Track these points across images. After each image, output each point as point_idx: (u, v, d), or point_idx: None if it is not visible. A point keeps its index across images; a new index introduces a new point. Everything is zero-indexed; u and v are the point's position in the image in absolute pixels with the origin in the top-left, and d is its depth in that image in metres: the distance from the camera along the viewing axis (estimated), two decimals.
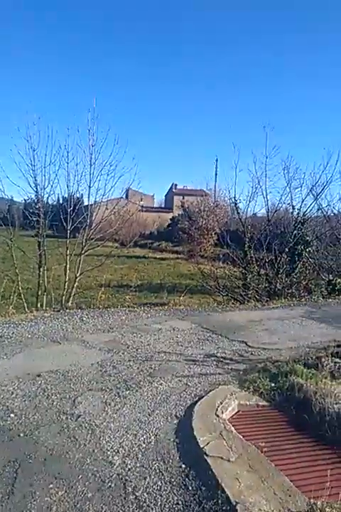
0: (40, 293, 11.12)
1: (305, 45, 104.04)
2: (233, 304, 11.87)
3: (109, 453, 3.60)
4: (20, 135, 11.14)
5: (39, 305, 10.71)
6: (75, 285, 11.36)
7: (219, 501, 2.96)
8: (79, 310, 9.58)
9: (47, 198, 12.03)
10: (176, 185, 78.79)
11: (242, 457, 3.51)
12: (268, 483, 3.16)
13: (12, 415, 4.24)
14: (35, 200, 11.52)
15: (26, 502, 2.93)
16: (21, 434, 3.86)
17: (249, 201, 14.72)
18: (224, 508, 2.90)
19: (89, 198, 12.12)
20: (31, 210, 11.37)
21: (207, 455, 3.51)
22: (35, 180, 11.28)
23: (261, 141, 15.40)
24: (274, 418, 4.42)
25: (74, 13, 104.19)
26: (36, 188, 11.34)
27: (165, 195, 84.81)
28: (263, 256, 13.75)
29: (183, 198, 58.32)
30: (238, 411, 4.57)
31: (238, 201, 15.01)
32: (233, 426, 4.11)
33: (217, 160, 56.96)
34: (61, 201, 14.22)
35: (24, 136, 11.08)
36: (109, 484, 3.17)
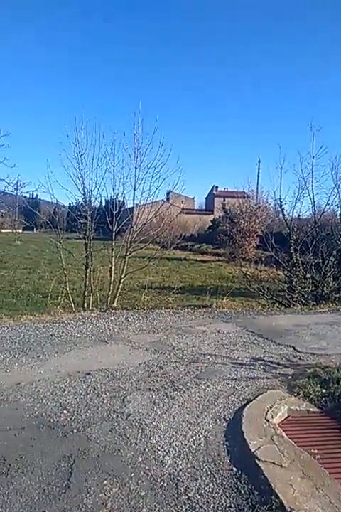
0: (86, 293, 11.41)
1: None
2: (278, 307, 11.66)
3: (159, 452, 3.65)
4: (69, 140, 11.53)
5: (85, 305, 10.99)
6: (120, 286, 11.56)
7: (273, 507, 2.92)
8: (124, 311, 9.77)
9: (94, 201, 12.38)
10: (217, 187, 78.53)
11: (295, 463, 3.44)
12: (323, 491, 3.09)
13: (65, 411, 4.37)
14: (83, 203, 11.82)
15: (82, 497, 3.01)
16: (74, 431, 3.98)
17: (295, 203, 14.42)
18: None
19: (133, 200, 12.31)
20: (79, 213, 11.68)
21: (258, 459, 3.47)
22: (83, 183, 11.62)
23: (307, 141, 15.04)
24: (326, 425, 4.31)
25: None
26: (84, 191, 11.67)
27: (206, 198, 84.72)
28: (309, 259, 13.40)
29: (224, 200, 58.03)
30: (288, 416, 4.49)
31: (283, 203, 14.75)
32: (283, 431, 4.04)
33: (259, 161, 56.20)
34: (104, 204, 14.53)
35: (72, 141, 11.45)
36: (162, 483, 3.21)
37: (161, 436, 3.92)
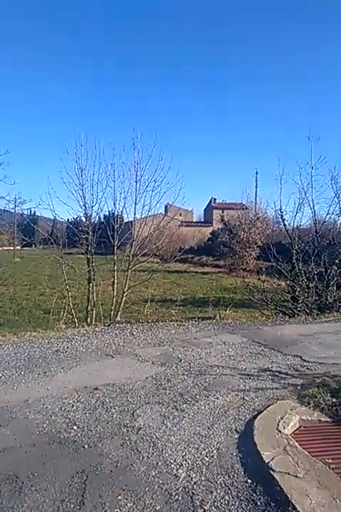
0: (89, 308, 11.38)
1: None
2: (282, 317, 11.64)
3: (172, 466, 3.61)
4: (69, 157, 11.61)
5: (89, 320, 10.96)
6: (123, 300, 11.54)
7: None
8: (128, 324, 9.74)
9: (95, 216, 12.41)
10: (215, 199, 78.78)
11: (310, 473, 3.41)
12: (340, 501, 3.05)
13: (75, 427, 4.34)
14: (84, 219, 11.86)
15: None
16: (86, 446, 3.94)
17: (296, 213, 14.46)
18: None
19: (134, 214, 12.33)
20: (80, 228, 11.71)
21: (273, 470, 3.44)
22: (84, 198, 11.66)
23: (306, 152, 15.19)
24: (339, 434, 4.27)
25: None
26: (85, 207, 11.70)
27: (204, 210, 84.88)
28: (311, 268, 13.41)
29: (223, 212, 58.15)
30: (300, 426, 4.45)
31: (284, 213, 14.80)
32: (296, 441, 4.01)
33: (256, 172, 56.66)
34: (103, 219, 14.56)
35: (73, 158, 11.53)
36: (176, 497, 3.17)
37: (173, 450, 3.89)
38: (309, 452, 3.80)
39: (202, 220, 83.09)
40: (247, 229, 36.26)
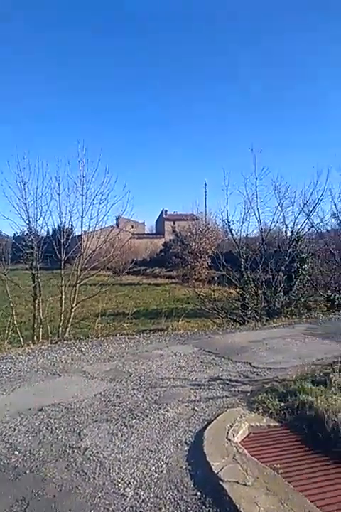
0: (35, 326, 10.94)
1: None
2: (233, 325, 11.79)
3: (120, 485, 3.46)
4: (10, 170, 11.23)
5: (35, 338, 10.51)
6: (72, 316, 11.20)
7: None
8: (77, 341, 9.43)
9: (40, 230, 12.03)
10: (166, 211, 79.26)
11: (259, 480, 3.38)
12: (288, 506, 3.04)
13: (16, 452, 4.08)
14: (28, 233, 11.44)
15: None
16: (27, 472, 3.71)
17: (242, 222, 14.86)
18: None
19: (81, 227, 12.09)
20: (24, 243, 11.28)
21: (222, 480, 3.38)
22: (28, 213, 11.28)
23: (250, 163, 15.71)
24: (287, 438, 4.30)
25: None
26: (28, 221, 11.31)
27: (156, 221, 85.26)
28: (259, 276, 13.76)
29: (174, 223, 58.69)
30: (249, 433, 4.45)
31: (231, 223, 15.12)
32: (246, 449, 3.99)
33: (205, 184, 57.85)
34: (51, 233, 14.19)
35: (14, 171, 11.16)
36: None
37: (121, 468, 3.74)
38: (258, 459, 3.79)
39: (154, 231, 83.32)
40: (198, 239, 36.84)
